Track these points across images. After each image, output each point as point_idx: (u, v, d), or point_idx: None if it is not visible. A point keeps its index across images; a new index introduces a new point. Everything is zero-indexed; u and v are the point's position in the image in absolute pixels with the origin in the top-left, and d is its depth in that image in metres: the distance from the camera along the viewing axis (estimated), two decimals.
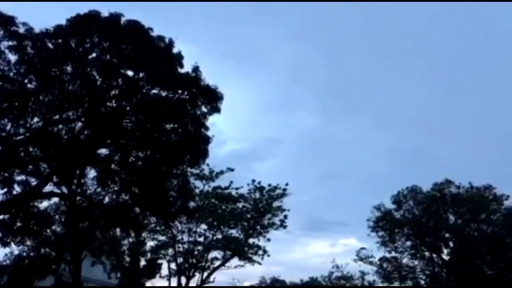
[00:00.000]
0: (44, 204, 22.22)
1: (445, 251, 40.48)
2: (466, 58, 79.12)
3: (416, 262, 42.32)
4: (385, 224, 41.47)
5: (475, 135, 72.48)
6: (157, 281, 35.61)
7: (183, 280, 34.56)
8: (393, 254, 42.20)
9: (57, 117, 17.46)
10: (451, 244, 40.24)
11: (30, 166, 18.23)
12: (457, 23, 78.83)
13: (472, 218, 38.67)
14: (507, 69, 74.35)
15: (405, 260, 42.42)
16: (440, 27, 78.95)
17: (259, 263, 36.97)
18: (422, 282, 42.23)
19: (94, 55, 17.50)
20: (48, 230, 22.97)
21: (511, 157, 62.16)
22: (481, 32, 77.18)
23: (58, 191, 20.33)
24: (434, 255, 40.70)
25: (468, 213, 38.70)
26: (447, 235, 40.30)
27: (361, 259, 43.09)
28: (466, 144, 71.64)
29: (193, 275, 34.98)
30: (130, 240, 32.10)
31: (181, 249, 35.34)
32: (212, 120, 18.89)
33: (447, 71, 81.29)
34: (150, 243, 35.29)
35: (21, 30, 16.80)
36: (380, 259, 42.52)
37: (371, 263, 43.00)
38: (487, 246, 37.49)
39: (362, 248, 42.85)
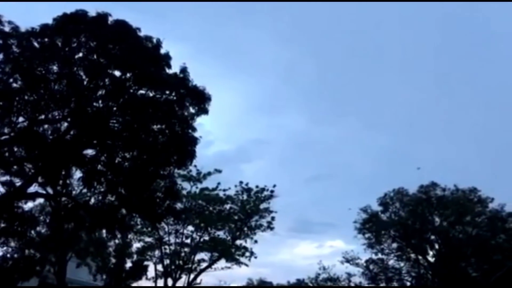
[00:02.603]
0: (28, 204, 21.95)
1: (431, 253, 40.81)
2: (451, 61, 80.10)
3: (402, 264, 42.65)
4: (371, 226, 41.68)
5: (461, 138, 73.29)
6: (143, 283, 35.45)
7: (170, 282, 34.40)
8: (380, 256, 42.49)
9: (42, 117, 17.29)
10: (436, 246, 40.55)
11: (15, 166, 18.05)
12: (443, 26, 79.68)
13: (457, 220, 39.01)
14: (491, 72, 75.35)
15: (391, 262, 42.75)
16: (427, 29, 79.82)
17: (246, 265, 36.97)
18: (408, 283, 42.53)
19: (80, 54, 17.36)
20: (32, 231, 22.75)
21: (496, 160, 62.93)
22: (465, 34, 78.17)
23: (43, 191, 20.17)
24: (420, 257, 41.01)
25: (453, 216, 39.04)
26: (432, 237, 40.62)
27: (347, 261, 43.31)
28: (451, 147, 72.36)
29: (180, 277, 34.85)
30: (116, 241, 31.84)
31: (167, 250, 35.20)
32: (199, 121, 18.86)
33: (433, 74, 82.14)
34: (136, 245, 35.09)
35: (7, 28, 16.65)
36: (367, 261, 42.75)
37: (357, 264, 43.22)
38: (472, 248, 37.86)
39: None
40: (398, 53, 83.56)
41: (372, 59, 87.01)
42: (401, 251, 42.08)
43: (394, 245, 42.08)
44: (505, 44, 73.96)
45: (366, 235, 42.06)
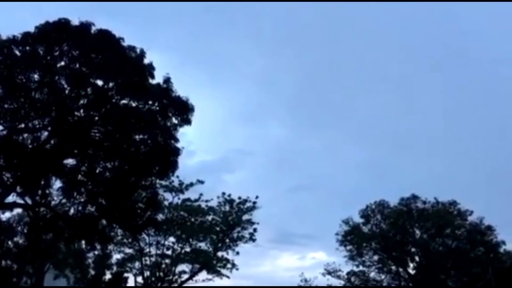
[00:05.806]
0: (6, 214, 21.61)
1: (411, 265, 41.16)
2: (432, 74, 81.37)
3: (383, 276, 42.85)
4: (353, 238, 41.89)
5: (441, 151, 74.32)
6: None
7: None
8: (361, 268, 42.67)
9: (22, 125, 17.07)
10: (417, 258, 40.92)
11: None
12: (423, 36, 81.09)
13: (437, 233, 39.49)
14: (472, 85, 76.72)
15: (372, 274, 42.92)
16: (407, 39, 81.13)
17: (228, 277, 36.68)
18: None
19: (62, 63, 17.22)
20: (10, 242, 22.36)
21: (475, 174, 63.91)
22: (447, 44, 79.45)
23: (22, 201, 19.80)
24: (401, 269, 41.29)
25: (433, 228, 39.51)
26: (413, 249, 40.99)
27: (329, 273, 43.31)
28: (432, 160, 73.24)
29: None
30: (96, 252, 31.39)
31: (148, 262, 34.76)
32: (182, 131, 18.82)
33: (414, 87, 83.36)
34: (116, 256, 34.60)
35: None
36: (348, 273, 42.83)
37: (339, 277, 43.24)
38: (452, 261, 38.31)
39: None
40: (381, 65, 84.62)
41: (355, 71, 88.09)
42: (382, 263, 42.32)
43: (375, 257, 42.34)
44: (488, 57, 75.45)
45: (348, 247, 42.26)
